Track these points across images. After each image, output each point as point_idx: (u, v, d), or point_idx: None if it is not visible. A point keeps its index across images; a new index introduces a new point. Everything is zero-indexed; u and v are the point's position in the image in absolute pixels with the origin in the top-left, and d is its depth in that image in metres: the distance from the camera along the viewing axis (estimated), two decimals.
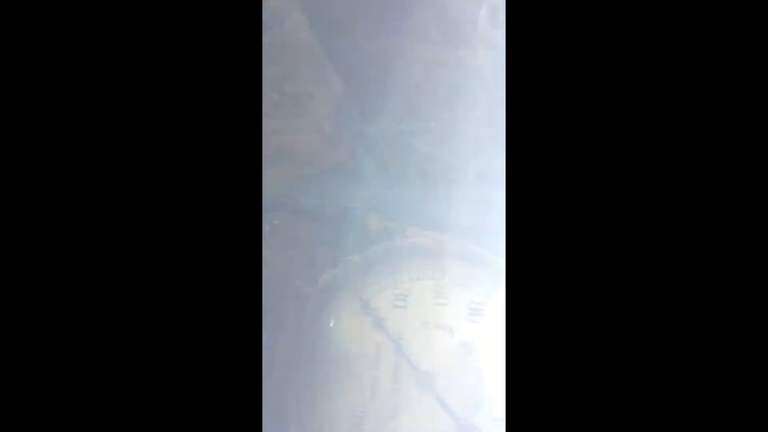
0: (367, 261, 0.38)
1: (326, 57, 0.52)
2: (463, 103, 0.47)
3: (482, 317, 0.36)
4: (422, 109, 0.48)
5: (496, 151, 0.45)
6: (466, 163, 0.47)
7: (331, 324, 0.37)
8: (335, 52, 0.56)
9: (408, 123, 0.50)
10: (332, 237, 0.42)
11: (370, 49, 0.56)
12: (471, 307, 0.37)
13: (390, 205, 0.45)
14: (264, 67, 0.45)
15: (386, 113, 0.52)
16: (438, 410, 0.35)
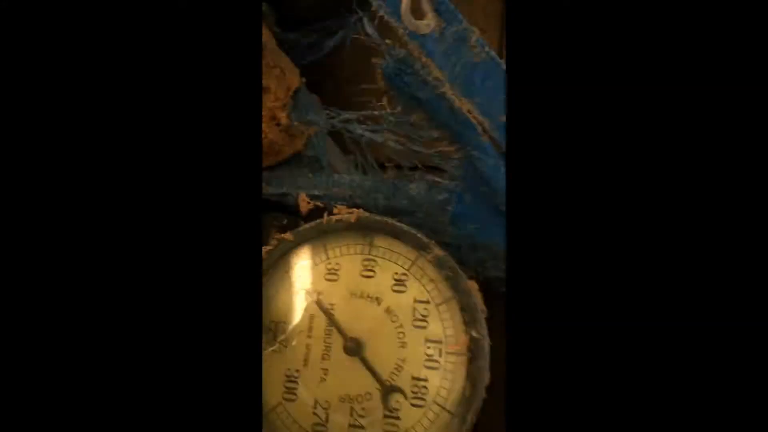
0: (300, 238, 0.41)
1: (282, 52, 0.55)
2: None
3: (404, 287, 0.39)
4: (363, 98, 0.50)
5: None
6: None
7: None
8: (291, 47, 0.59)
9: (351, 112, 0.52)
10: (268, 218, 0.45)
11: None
12: (395, 278, 0.39)
13: (322, 186, 0.47)
14: None
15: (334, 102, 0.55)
16: (364, 372, 0.38)
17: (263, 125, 0.53)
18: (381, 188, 0.51)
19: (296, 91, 0.54)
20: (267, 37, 0.55)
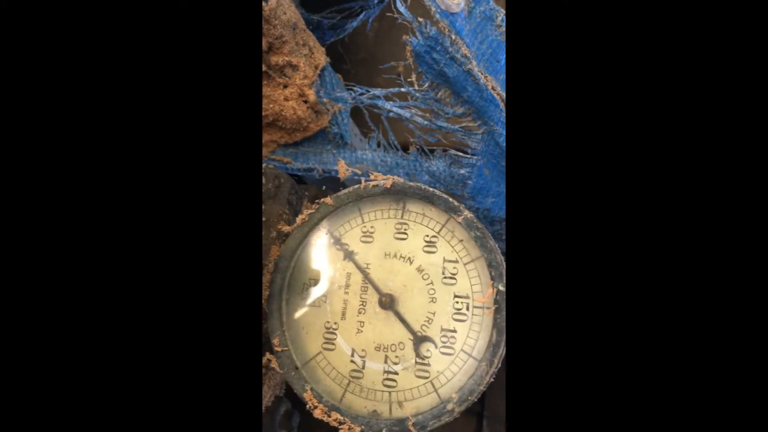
0: (339, 202, 0.44)
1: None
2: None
3: (434, 247, 0.42)
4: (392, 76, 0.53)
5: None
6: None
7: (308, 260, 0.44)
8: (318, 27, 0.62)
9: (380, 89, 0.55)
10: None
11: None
12: (425, 240, 0.43)
13: (366, 163, 0.51)
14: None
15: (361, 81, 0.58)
16: (397, 324, 0.41)
17: (292, 103, 0.56)
18: (402, 164, 0.55)
19: (323, 70, 0.56)
20: (296, 17, 0.57)
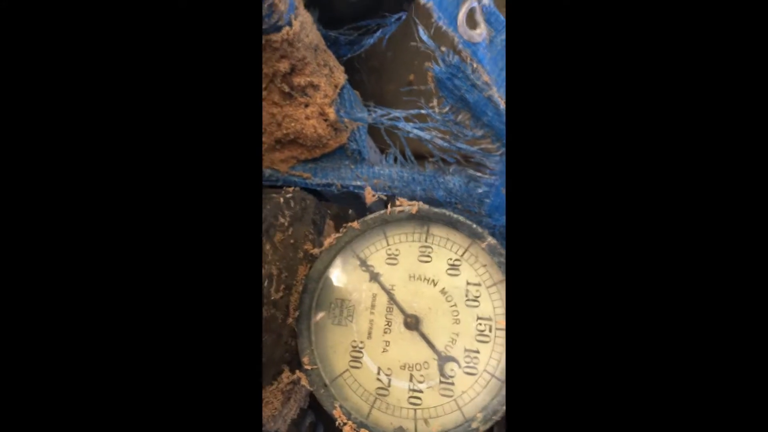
0: (365, 226, 0.46)
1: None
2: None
3: (458, 271, 0.44)
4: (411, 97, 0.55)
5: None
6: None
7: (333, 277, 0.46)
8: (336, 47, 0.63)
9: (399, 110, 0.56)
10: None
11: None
12: (449, 263, 0.45)
13: (383, 178, 0.52)
14: (275, 62, 0.52)
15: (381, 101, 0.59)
16: (422, 344, 0.43)
17: (313, 121, 0.57)
18: (419, 180, 0.56)
19: (342, 88, 0.58)
20: (318, 38, 0.59)
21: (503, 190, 0.55)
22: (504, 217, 0.56)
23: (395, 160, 0.57)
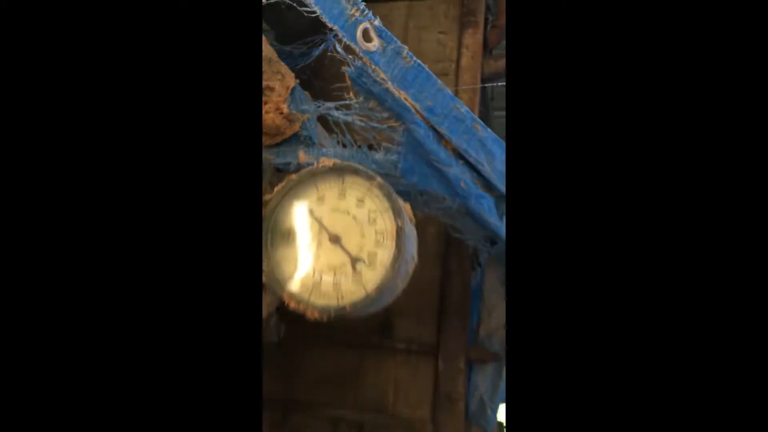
0: (300, 177, 0.68)
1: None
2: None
3: (363, 203, 0.66)
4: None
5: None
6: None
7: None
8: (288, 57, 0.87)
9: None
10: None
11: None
12: (357, 199, 0.67)
13: (314, 156, 0.75)
14: None
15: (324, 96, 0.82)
16: (341, 252, 0.65)
17: (271, 114, 0.80)
18: (356, 156, 0.79)
19: (293, 89, 0.81)
20: (271, 52, 0.82)
21: (409, 157, 0.78)
22: (413, 177, 0.78)
23: (338, 143, 0.80)
